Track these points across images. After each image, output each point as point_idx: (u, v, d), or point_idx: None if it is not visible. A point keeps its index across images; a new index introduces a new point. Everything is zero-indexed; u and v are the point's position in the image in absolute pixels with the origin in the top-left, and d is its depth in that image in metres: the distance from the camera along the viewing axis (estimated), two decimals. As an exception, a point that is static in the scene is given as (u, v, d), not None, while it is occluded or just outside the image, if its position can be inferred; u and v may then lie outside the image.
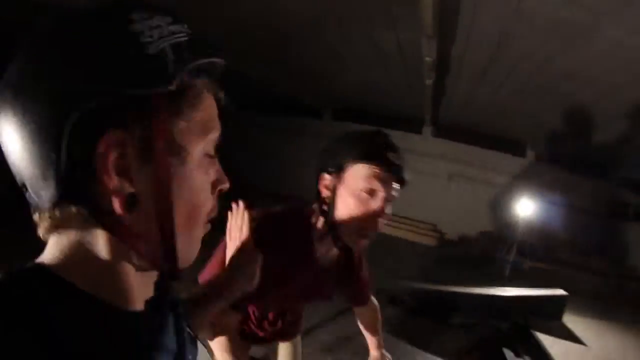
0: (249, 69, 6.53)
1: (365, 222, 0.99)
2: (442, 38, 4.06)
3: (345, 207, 0.99)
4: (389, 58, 5.32)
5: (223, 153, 0.50)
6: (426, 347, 3.51)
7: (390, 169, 0.99)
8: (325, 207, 1.04)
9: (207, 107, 0.45)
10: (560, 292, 4.28)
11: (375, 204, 0.99)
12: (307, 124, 10.15)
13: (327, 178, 1.03)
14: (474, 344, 3.85)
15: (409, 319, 4.18)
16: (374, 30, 4.54)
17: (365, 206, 0.98)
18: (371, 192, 0.98)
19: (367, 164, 0.98)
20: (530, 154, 9.10)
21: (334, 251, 1.14)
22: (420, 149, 9.17)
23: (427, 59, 4.46)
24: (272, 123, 10.31)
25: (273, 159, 10.14)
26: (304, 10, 4.27)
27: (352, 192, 0.98)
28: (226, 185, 0.49)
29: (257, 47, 5.64)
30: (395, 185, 1.01)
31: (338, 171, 1.01)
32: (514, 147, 9.05)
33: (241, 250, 0.86)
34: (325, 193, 1.03)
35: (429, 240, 8.76)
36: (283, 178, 9.66)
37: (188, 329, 0.55)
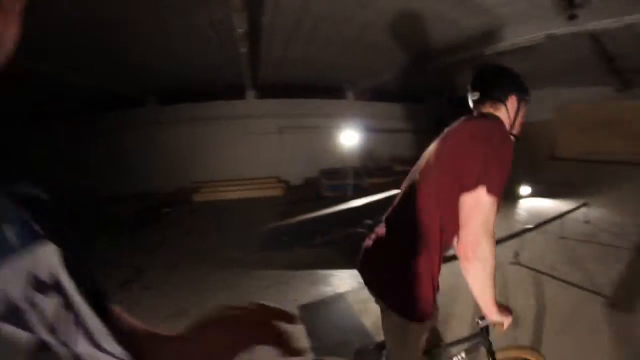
0: (59, 72, 5.71)
1: (521, 127, 1.50)
2: (252, 10, 4.15)
3: (520, 119, 1.47)
4: (203, 36, 5.22)
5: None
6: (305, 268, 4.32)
7: None
8: (511, 117, 1.46)
9: None
10: (396, 191, 4.98)
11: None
12: (132, 115, 9.23)
13: (515, 100, 1.44)
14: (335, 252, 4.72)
15: (290, 253, 4.85)
16: (185, 13, 4.42)
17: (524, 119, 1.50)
18: None
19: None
20: (350, 95, 10.05)
21: None
22: (247, 112, 9.40)
23: (239, 30, 4.55)
24: (98, 122, 8.97)
25: (106, 159, 8.91)
26: (112, 4, 3.89)
27: (524, 111, 1.48)
28: None
29: (60, 46, 4.83)
30: None
31: (524, 97, 1.46)
32: (334, 92, 9.80)
33: None
34: (511, 108, 1.44)
35: (275, 192, 9.21)
36: (125, 175, 8.79)
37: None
